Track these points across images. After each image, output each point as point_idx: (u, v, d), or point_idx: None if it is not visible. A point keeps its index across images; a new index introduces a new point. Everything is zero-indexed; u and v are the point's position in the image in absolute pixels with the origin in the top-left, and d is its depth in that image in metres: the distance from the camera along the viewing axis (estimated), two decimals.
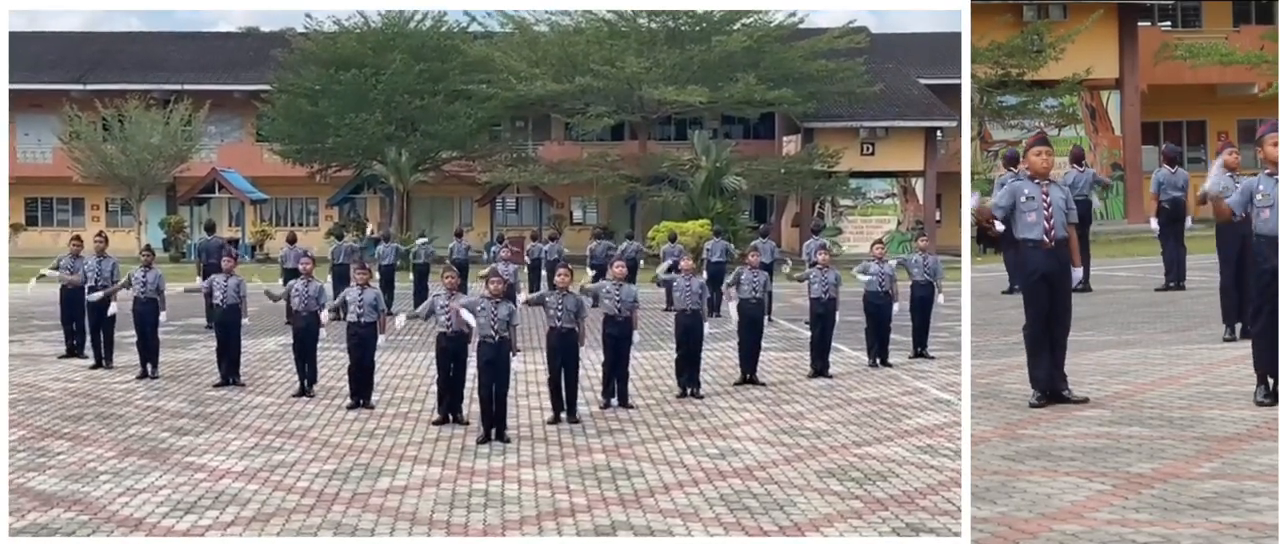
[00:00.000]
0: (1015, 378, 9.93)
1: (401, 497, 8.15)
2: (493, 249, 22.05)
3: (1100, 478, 6.92)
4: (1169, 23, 36.09)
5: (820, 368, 13.49)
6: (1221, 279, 12.02)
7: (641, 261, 24.00)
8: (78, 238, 16.45)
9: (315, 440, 10.07)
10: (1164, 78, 34.48)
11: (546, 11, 39.48)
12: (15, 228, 42.31)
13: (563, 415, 10.78)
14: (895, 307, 14.25)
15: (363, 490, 8.33)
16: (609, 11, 37.76)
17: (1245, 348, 9.01)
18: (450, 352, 10.72)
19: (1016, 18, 32.35)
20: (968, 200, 9.65)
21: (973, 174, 24.04)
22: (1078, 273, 9.26)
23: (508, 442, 9.90)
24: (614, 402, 11.61)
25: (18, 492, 8.29)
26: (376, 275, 19.94)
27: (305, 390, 12.37)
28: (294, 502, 8.01)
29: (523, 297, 14.48)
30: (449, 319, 10.58)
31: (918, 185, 38.91)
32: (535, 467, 9.03)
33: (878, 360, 14.18)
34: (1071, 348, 9.18)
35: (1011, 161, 16.93)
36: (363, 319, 11.61)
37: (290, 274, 17.46)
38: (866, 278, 14.12)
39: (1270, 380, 8.48)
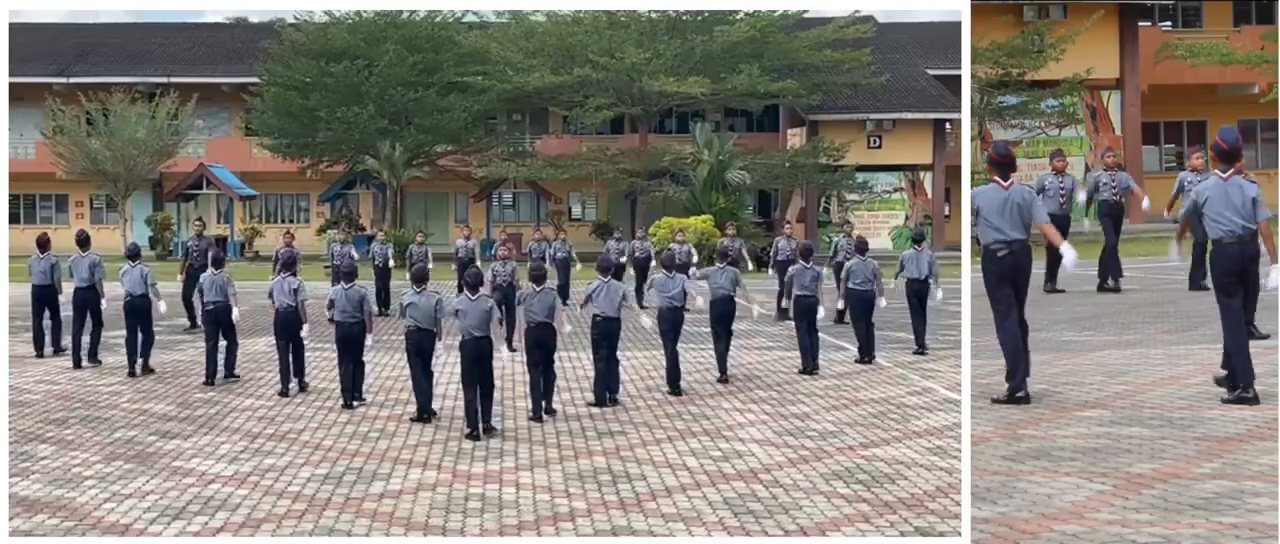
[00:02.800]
0: None
1: (396, 501, 8.02)
2: (491, 248, 21.78)
3: (1100, 478, 6.99)
4: (1169, 23, 36.04)
5: (810, 366, 13.41)
6: None
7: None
8: (46, 237, 16.01)
9: (306, 444, 9.93)
10: (1164, 78, 34.42)
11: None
12: None
13: (545, 414, 10.79)
14: (881, 302, 14.29)
15: (355, 495, 8.19)
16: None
17: None
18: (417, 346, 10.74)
19: (1017, 18, 32.24)
20: (967, 199, 9.84)
21: (973, 173, 23.87)
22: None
23: (493, 433, 9.78)
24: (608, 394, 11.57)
25: None
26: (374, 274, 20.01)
27: (285, 391, 12.22)
28: (284, 507, 7.89)
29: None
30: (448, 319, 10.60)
31: (926, 179, 38.60)
32: (533, 470, 8.90)
33: (866, 357, 14.09)
34: (1072, 348, 9.24)
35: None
36: (348, 319, 11.50)
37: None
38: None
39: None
